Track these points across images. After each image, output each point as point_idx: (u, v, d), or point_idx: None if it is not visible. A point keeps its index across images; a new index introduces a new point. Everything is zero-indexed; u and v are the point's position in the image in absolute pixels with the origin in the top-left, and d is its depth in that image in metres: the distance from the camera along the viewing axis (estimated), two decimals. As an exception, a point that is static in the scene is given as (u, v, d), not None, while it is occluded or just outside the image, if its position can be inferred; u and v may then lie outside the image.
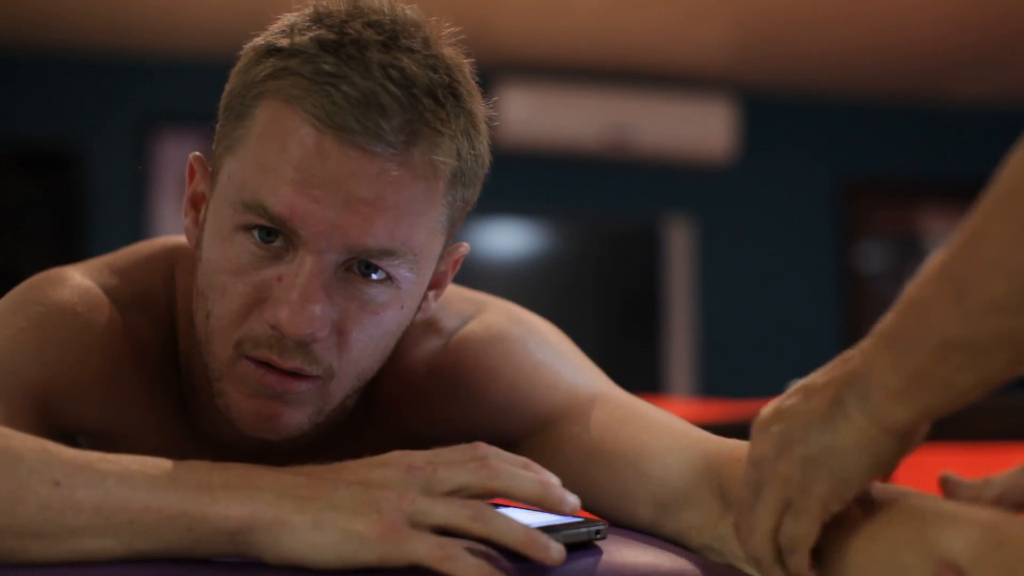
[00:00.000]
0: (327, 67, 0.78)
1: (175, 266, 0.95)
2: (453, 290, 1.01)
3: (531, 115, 4.92)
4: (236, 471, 0.70)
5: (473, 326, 0.98)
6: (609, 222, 5.41)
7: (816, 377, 0.72)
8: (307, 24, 0.82)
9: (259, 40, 0.84)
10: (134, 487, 0.68)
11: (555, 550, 0.69)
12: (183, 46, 4.80)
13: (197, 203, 0.89)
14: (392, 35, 0.81)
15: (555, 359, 0.98)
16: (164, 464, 0.70)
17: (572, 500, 0.73)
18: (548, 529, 0.72)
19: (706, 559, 0.82)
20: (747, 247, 5.43)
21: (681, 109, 5.10)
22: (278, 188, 0.79)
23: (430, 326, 0.98)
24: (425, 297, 0.90)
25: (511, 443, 0.97)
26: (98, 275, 0.91)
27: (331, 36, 0.80)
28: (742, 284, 5.42)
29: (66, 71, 4.85)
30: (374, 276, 0.82)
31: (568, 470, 0.92)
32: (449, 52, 0.84)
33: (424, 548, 0.67)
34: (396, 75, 0.79)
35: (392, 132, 0.78)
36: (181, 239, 0.97)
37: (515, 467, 0.73)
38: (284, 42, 0.81)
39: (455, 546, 0.68)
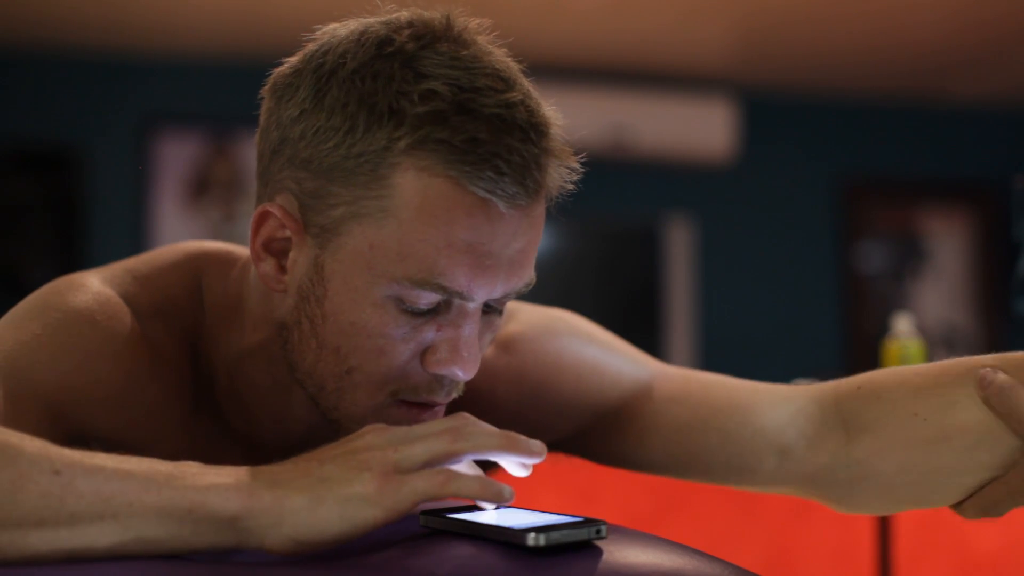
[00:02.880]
0: (481, 136, 0.79)
1: (202, 275, 0.95)
2: None
3: (531, 115, 4.92)
4: (228, 470, 0.72)
5: (515, 327, 1.01)
6: (609, 222, 5.41)
7: None
8: (419, 84, 0.80)
9: (351, 96, 0.81)
10: (132, 477, 0.69)
11: (536, 445, 0.74)
12: (183, 46, 4.80)
13: (273, 249, 0.87)
14: (510, 82, 0.83)
15: (605, 347, 1.02)
16: (160, 463, 0.71)
17: (537, 445, 0.75)
18: (548, 528, 0.72)
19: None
20: (747, 247, 5.43)
21: (681, 109, 5.10)
22: (454, 268, 0.80)
23: None
24: None
25: (580, 432, 1.02)
26: (119, 282, 0.91)
27: (464, 96, 0.80)
28: (742, 284, 5.42)
29: (66, 71, 4.85)
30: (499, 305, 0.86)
31: (667, 444, 0.98)
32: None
33: (423, 483, 0.70)
34: (538, 127, 0.82)
35: (540, 179, 0.82)
36: (205, 245, 0.97)
37: (485, 432, 0.75)
38: (417, 108, 0.79)
39: (449, 470, 0.71)
